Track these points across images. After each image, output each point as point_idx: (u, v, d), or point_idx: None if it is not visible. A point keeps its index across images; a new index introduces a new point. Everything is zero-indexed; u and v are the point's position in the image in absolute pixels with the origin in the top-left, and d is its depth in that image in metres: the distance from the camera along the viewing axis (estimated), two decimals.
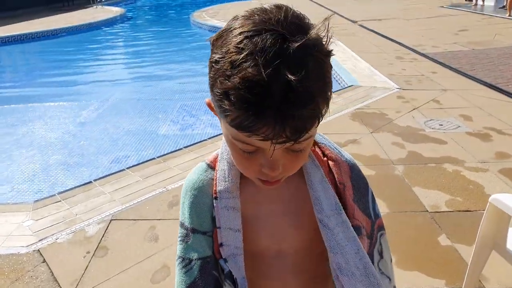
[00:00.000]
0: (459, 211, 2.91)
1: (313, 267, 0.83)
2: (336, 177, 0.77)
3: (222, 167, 0.77)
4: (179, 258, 0.78)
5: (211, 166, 0.80)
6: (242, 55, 0.53)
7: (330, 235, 0.73)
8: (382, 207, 2.91)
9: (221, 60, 0.56)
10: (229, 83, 0.53)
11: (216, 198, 0.76)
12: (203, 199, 0.78)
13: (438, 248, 2.56)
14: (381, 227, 0.82)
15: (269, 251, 0.80)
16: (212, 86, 0.59)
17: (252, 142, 0.58)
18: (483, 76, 5.90)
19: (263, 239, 0.79)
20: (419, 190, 3.16)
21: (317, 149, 0.79)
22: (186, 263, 0.76)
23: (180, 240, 0.79)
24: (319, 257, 0.81)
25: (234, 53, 0.54)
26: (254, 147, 0.60)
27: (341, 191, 0.76)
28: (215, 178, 0.77)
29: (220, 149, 0.80)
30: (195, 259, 0.76)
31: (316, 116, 0.57)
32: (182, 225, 0.79)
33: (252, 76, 0.51)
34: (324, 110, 0.58)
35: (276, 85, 0.51)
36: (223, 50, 0.56)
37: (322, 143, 0.80)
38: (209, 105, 0.67)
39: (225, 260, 0.75)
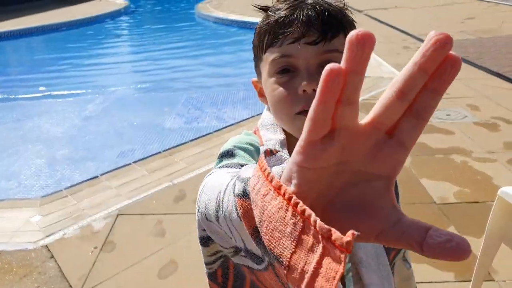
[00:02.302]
0: (468, 202, 2.88)
1: None
2: None
3: (264, 132, 0.75)
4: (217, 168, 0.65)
5: (253, 133, 0.78)
6: (276, 7, 0.70)
7: None
8: None
9: (260, 22, 0.71)
10: (266, 21, 0.70)
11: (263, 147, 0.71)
12: (249, 147, 0.72)
13: None
14: None
15: None
16: (257, 48, 0.73)
17: (288, 51, 0.66)
18: (491, 65, 5.82)
19: None
20: (426, 182, 3.13)
21: None
22: (228, 165, 0.64)
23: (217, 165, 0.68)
24: None
25: (271, 12, 0.70)
26: (292, 67, 0.67)
27: None
28: (260, 139, 0.75)
29: (259, 121, 0.80)
30: (239, 164, 0.65)
31: (340, 21, 0.67)
32: (221, 155, 0.70)
33: (284, 12, 0.68)
34: (348, 26, 0.69)
35: (302, 7, 0.67)
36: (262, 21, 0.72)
37: None
38: (253, 83, 0.78)
39: None
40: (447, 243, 0.26)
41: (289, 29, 0.65)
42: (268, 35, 0.69)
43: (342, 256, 0.27)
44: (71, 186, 3.32)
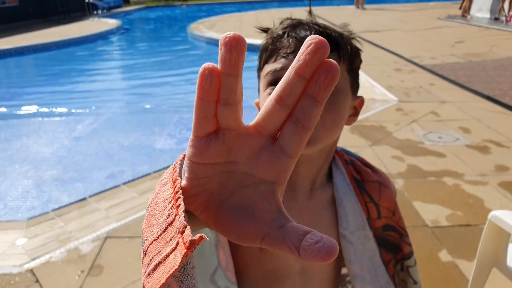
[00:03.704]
0: (460, 225, 2.87)
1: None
2: (385, 205, 0.82)
3: None
4: None
5: None
6: (275, 28, 0.75)
7: (350, 248, 0.76)
8: None
9: (261, 43, 0.75)
10: (265, 41, 0.74)
11: None
12: None
13: (439, 264, 2.51)
14: None
15: (291, 269, 0.79)
16: (258, 67, 0.76)
17: (280, 65, 0.69)
18: (480, 88, 5.89)
19: (288, 257, 0.78)
20: (419, 205, 3.11)
21: (348, 165, 0.83)
22: None
23: None
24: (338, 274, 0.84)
25: (270, 33, 0.74)
26: (282, 77, 0.68)
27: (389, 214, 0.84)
28: None
29: None
30: None
31: (334, 41, 0.68)
32: None
33: (280, 32, 0.72)
34: (345, 48, 0.70)
35: (297, 26, 0.71)
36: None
37: (354, 157, 0.87)
38: (256, 104, 0.80)
39: None
40: (316, 244, 0.26)
41: (282, 45, 0.69)
42: (265, 53, 0.73)
43: (183, 253, 0.28)
44: (59, 208, 3.26)
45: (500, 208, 2.85)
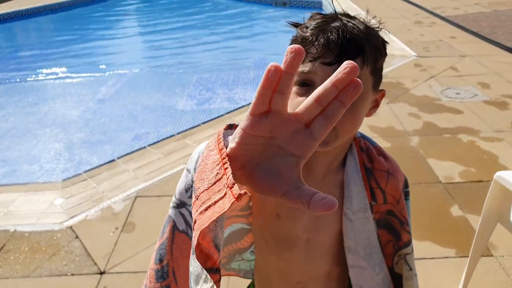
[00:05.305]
0: (472, 181, 2.96)
1: (335, 264, 0.95)
2: (391, 192, 0.90)
3: None
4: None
5: None
6: (305, 25, 0.76)
7: (349, 225, 0.87)
8: None
9: (293, 37, 0.78)
10: (295, 38, 0.77)
11: None
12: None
13: (450, 218, 2.64)
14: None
15: (299, 239, 0.90)
16: None
17: (307, 68, 0.72)
18: (504, 40, 5.74)
19: (297, 228, 0.89)
20: (433, 162, 3.21)
21: (362, 146, 0.90)
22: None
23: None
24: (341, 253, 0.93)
25: (300, 30, 0.76)
26: (310, 81, 0.73)
27: (393, 203, 0.91)
28: None
29: None
30: None
31: (360, 47, 0.71)
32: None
33: (309, 32, 0.74)
34: (370, 52, 0.73)
35: (326, 29, 0.73)
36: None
37: (367, 139, 0.93)
38: None
39: None
40: (322, 199, 0.38)
41: (310, 49, 0.73)
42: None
43: (232, 201, 0.39)
44: (90, 170, 3.47)
45: None
